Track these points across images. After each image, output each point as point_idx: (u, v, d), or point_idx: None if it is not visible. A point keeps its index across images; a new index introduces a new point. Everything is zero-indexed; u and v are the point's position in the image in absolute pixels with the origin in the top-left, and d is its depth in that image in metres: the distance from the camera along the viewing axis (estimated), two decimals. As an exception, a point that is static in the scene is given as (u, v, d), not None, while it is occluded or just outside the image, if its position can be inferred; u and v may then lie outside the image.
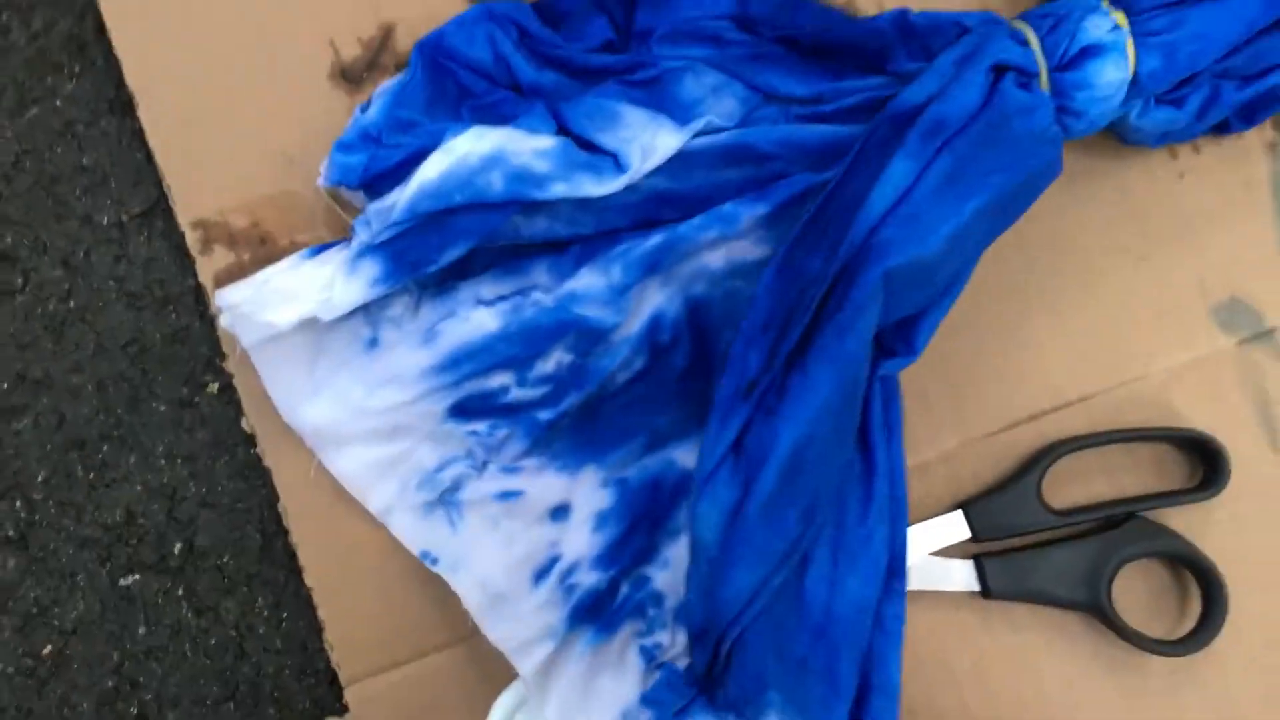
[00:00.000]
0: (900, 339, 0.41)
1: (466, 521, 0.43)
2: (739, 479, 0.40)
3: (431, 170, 0.41)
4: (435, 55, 0.43)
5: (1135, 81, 0.41)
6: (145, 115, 0.44)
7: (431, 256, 0.42)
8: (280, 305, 0.41)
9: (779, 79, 0.44)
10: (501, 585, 0.42)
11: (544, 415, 0.43)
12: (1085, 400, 0.46)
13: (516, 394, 0.43)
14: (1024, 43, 0.41)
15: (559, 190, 0.42)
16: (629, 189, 0.43)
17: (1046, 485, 0.45)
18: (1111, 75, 0.40)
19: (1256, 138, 0.47)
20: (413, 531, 0.43)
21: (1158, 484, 0.46)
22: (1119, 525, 0.45)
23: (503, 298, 0.43)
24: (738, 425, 0.39)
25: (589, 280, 0.43)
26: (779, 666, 0.38)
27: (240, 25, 0.45)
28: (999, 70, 0.40)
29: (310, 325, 0.42)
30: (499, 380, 0.43)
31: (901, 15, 0.42)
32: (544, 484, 0.43)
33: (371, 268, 0.41)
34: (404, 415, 0.42)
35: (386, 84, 0.43)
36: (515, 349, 0.42)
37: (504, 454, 0.43)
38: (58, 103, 0.46)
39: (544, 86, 0.44)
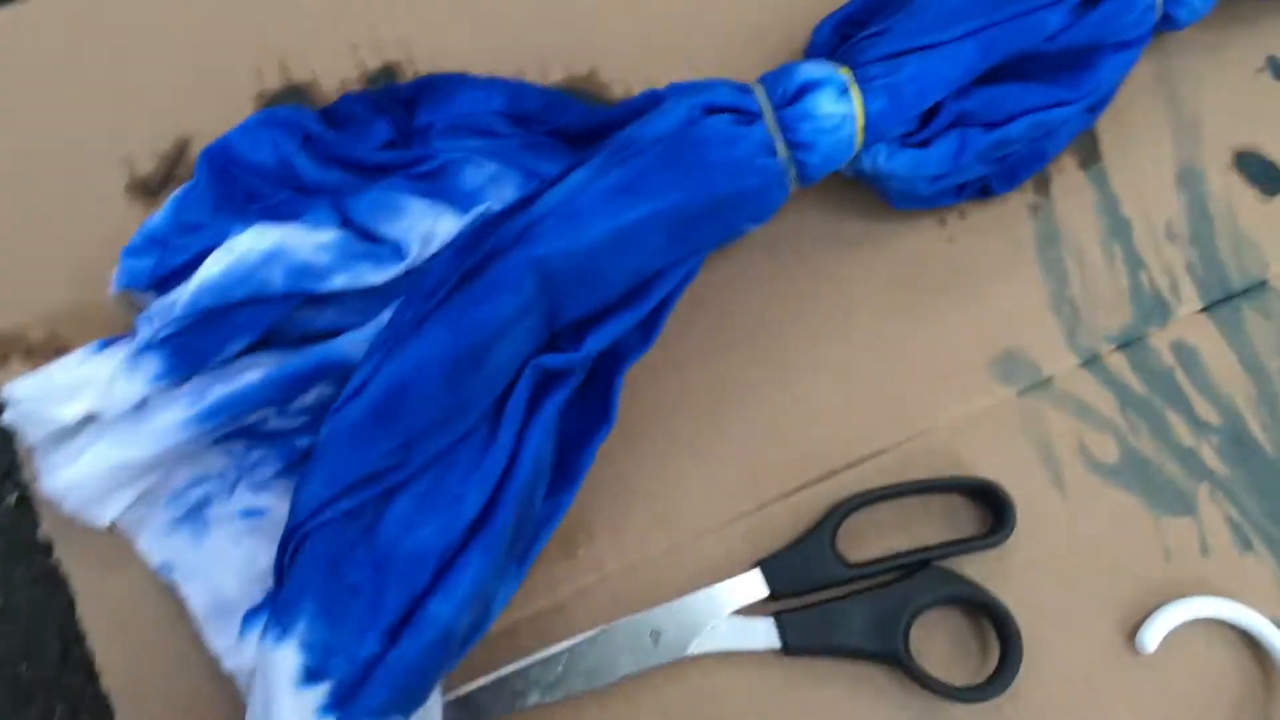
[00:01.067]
0: (569, 338, 0.43)
1: (210, 536, 0.43)
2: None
3: (213, 268, 0.43)
4: (220, 160, 0.45)
5: (869, 124, 0.44)
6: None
7: (213, 351, 0.43)
8: (65, 400, 0.42)
9: (553, 164, 0.46)
10: (233, 595, 0.42)
11: (301, 442, 0.44)
12: (876, 456, 0.47)
13: (276, 423, 0.44)
14: (747, 91, 0.43)
15: (340, 281, 0.43)
16: (415, 274, 0.45)
17: (842, 540, 0.46)
18: (831, 106, 0.43)
19: (1019, 200, 0.50)
20: (156, 545, 0.43)
21: (950, 533, 0.47)
22: (913, 575, 0.45)
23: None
24: (366, 370, 0.41)
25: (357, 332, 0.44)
26: (329, 582, 0.39)
27: (38, 147, 0.47)
28: (712, 110, 0.43)
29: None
30: (258, 415, 0.43)
31: (651, 92, 0.45)
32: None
33: (153, 363, 0.42)
34: (160, 458, 0.43)
35: (175, 192, 0.45)
36: (274, 394, 0.43)
37: (256, 474, 0.44)
38: None
39: (328, 185, 0.46)
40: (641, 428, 0.46)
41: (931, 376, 0.48)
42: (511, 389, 0.42)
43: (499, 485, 0.40)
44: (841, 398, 0.48)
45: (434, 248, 0.44)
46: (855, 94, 0.44)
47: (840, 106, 0.44)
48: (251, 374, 0.43)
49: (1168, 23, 0.49)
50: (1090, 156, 0.51)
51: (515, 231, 0.42)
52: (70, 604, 0.44)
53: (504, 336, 0.41)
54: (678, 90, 0.45)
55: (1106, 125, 0.51)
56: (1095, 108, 0.49)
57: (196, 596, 0.43)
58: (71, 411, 0.42)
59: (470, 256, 0.42)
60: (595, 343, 0.43)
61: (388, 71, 0.49)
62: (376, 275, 0.44)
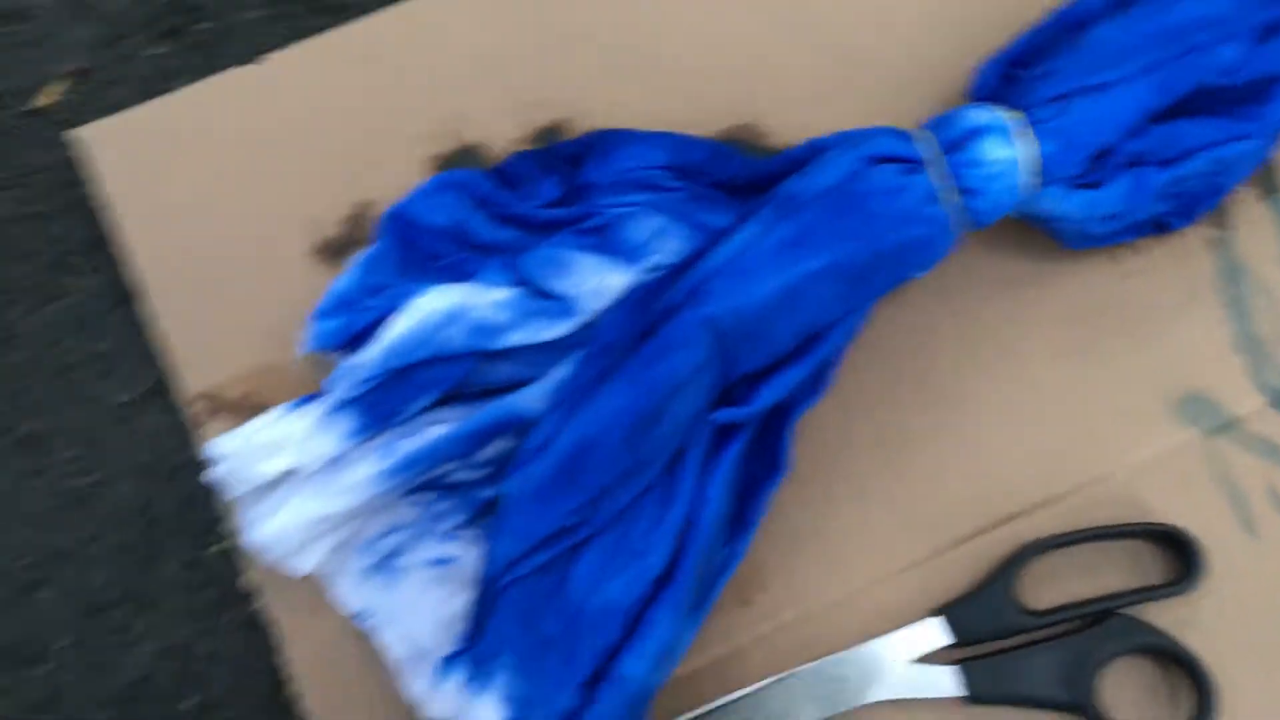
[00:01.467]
0: (742, 392, 0.43)
1: (401, 585, 0.45)
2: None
3: (398, 329, 0.45)
4: (401, 224, 0.47)
5: (1040, 168, 0.43)
6: (151, 304, 0.49)
7: (400, 409, 0.45)
8: (266, 457, 0.44)
9: (718, 216, 0.47)
10: (427, 642, 0.44)
11: (484, 493, 0.45)
12: (1054, 501, 0.46)
13: (460, 475, 0.45)
14: (910, 139, 0.43)
15: (516, 338, 0.45)
16: (588, 328, 0.46)
17: (1023, 587, 0.45)
18: (999, 151, 0.43)
19: (1196, 235, 0.49)
20: (352, 593, 0.45)
21: (1135, 580, 0.46)
22: (1100, 623, 0.44)
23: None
24: (549, 428, 0.42)
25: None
26: (524, 636, 0.40)
27: (230, 215, 0.49)
28: (876, 160, 0.43)
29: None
30: (444, 469, 0.45)
31: (811, 141, 0.45)
32: (479, 553, 0.45)
33: (345, 422, 0.44)
34: (355, 510, 0.45)
35: (359, 254, 0.47)
36: (459, 448, 0.44)
37: (443, 523, 0.45)
38: (73, 298, 0.51)
39: (502, 243, 0.47)
40: (812, 475, 0.47)
41: (1110, 419, 0.47)
42: (689, 444, 0.43)
43: (681, 540, 0.41)
44: (1016, 441, 0.47)
45: (604, 302, 0.45)
46: (1024, 138, 0.43)
47: (1008, 151, 0.43)
48: (437, 429, 0.45)
49: (1353, 47, 0.47)
50: (1270, 186, 0.49)
51: (687, 289, 0.42)
52: (275, 648, 0.47)
53: (680, 393, 0.42)
54: (841, 140, 0.45)
55: (1286, 153, 0.49)
56: (1274, 138, 0.47)
57: (391, 643, 0.44)
58: (273, 467, 0.44)
59: (645, 314, 0.43)
60: (768, 396, 0.43)
61: (553, 130, 0.50)
62: (550, 331, 0.45)
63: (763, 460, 0.45)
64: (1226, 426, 0.47)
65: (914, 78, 0.50)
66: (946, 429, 0.47)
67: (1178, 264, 0.48)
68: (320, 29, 0.51)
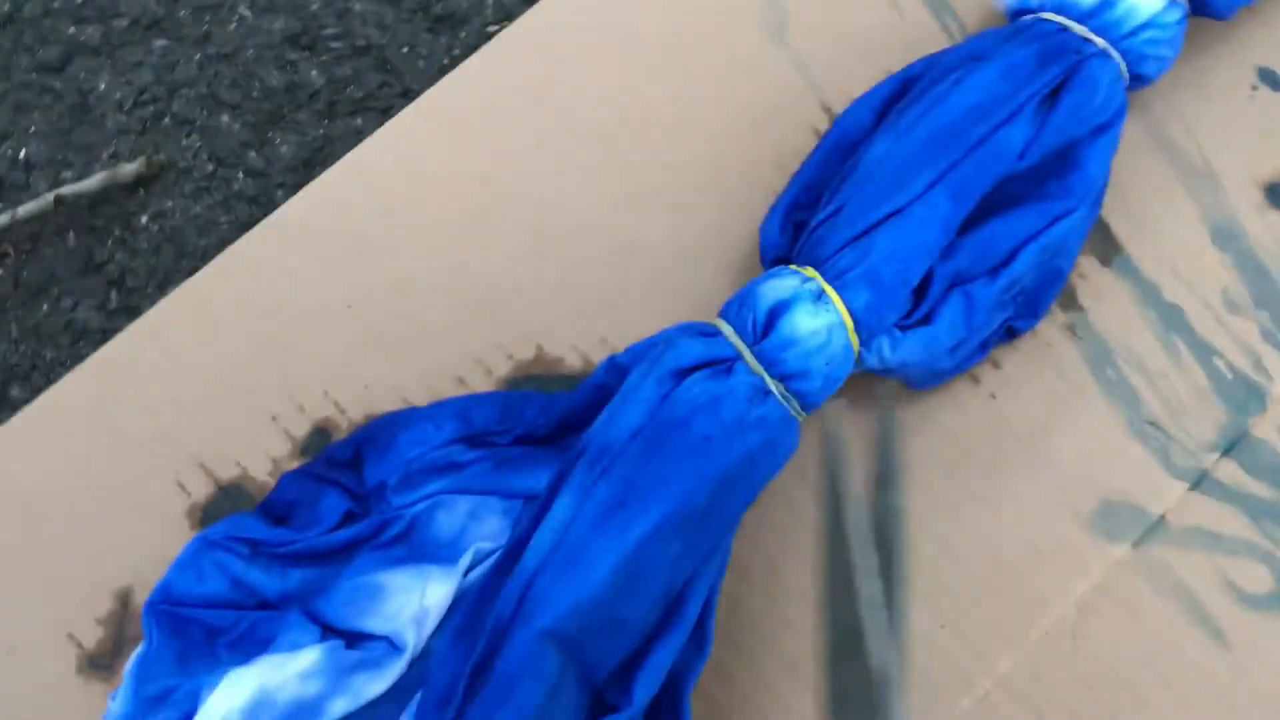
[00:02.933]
0: (617, 690, 0.36)
1: None
2: None
3: (194, 746, 0.36)
4: (168, 608, 0.39)
5: (858, 322, 0.38)
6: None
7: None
8: None
9: (532, 477, 0.40)
10: None
11: None
12: (1002, 683, 0.40)
13: None
14: (713, 334, 0.37)
15: (339, 708, 0.37)
16: (420, 662, 0.38)
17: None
18: (809, 323, 0.37)
19: (1051, 326, 0.44)
20: None
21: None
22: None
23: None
24: None
25: None
26: None
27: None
28: (683, 373, 0.37)
29: None
30: None
31: (610, 362, 0.39)
32: None
33: None
34: None
35: (130, 660, 0.39)
36: None
37: None
38: None
39: (294, 590, 0.40)
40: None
41: (1030, 561, 0.41)
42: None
43: None
44: (944, 624, 0.40)
45: (431, 624, 0.38)
46: (832, 295, 0.38)
47: (821, 317, 0.38)
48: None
49: (1138, 81, 0.43)
50: (1109, 249, 0.45)
51: (513, 599, 0.35)
52: None
53: (542, 731, 0.34)
54: (639, 354, 0.39)
55: (1113, 208, 0.45)
56: (1096, 201, 0.42)
57: None
58: None
59: (472, 643, 0.36)
60: (647, 686, 0.36)
61: (321, 434, 0.43)
62: (378, 683, 0.38)
63: (664, 757, 0.38)
64: (1154, 529, 0.41)
65: (696, 258, 0.45)
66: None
67: (1043, 365, 0.43)
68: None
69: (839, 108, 0.46)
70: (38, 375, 0.48)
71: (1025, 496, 0.42)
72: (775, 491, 0.42)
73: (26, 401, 0.43)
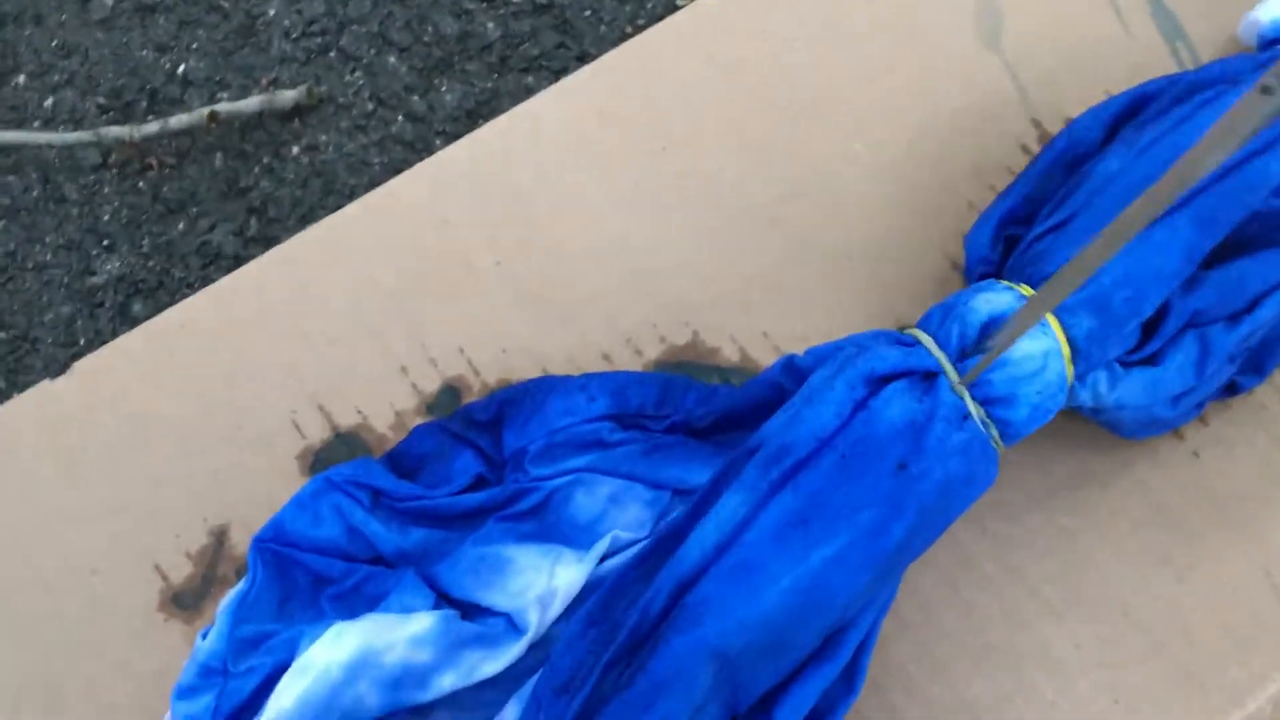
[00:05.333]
0: (756, 717, 0.32)
1: None
2: None
3: (287, 698, 0.33)
4: (276, 548, 0.36)
5: (1077, 351, 0.34)
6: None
7: (301, 812, 0.33)
8: None
9: (684, 469, 0.37)
10: None
11: None
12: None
13: None
14: (911, 344, 0.34)
15: (448, 683, 0.34)
16: (540, 647, 0.35)
17: None
18: (1025, 345, 0.33)
19: (1268, 387, 0.39)
20: None
21: None
22: None
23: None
24: None
25: None
26: None
27: (46, 565, 0.38)
28: (879, 381, 0.33)
29: None
30: None
31: (790, 361, 0.36)
32: None
33: None
34: None
35: (226, 598, 0.36)
36: None
37: None
38: None
39: (412, 549, 0.37)
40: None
41: (1217, 646, 0.36)
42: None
43: None
44: (1117, 699, 0.36)
45: (557, 609, 0.35)
46: (1050, 318, 0.34)
47: (1040, 342, 0.34)
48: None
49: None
50: (1343, 314, 0.40)
51: (665, 596, 0.32)
52: None
53: (674, 746, 0.30)
54: (822, 356, 0.36)
55: (1350, 271, 0.40)
56: (1347, 258, 0.38)
57: None
58: None
59: (613, 632, 0.32)
60: (789, 717, 0.32)
61: (450, 392, 0.40)
62: (493, 663, 0.34)
63: (800, 797, 0.33)
64: (1371, 629, 0.36)
65: (876, 255, 0.41)
66: (1018, 699, 0.36)
67: (1255, 429, 0.39)
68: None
69: (1050, 124, 0.43)
70: (163, 293, 0.45)
71: (1225, 571, 0.37)
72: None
73: (148, 318, 0.41)
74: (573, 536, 0.37)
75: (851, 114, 0.43)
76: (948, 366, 0.34)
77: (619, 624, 0.32)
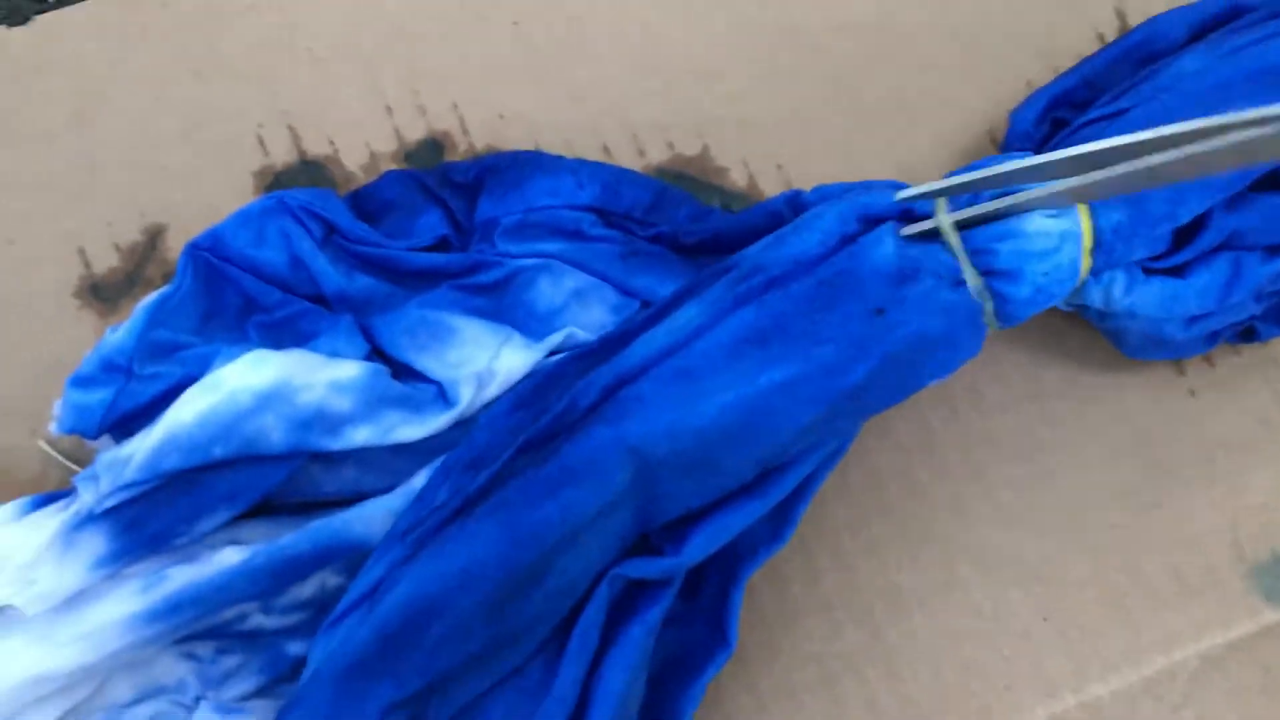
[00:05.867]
0: (670, 538, 0.31)
1: None
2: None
3: (186, 412, 0.31)
4: (212, 258, 0.34)
5: (1099, 243, 0.31)
6: None
7: (178, 529, 0.31)
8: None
9: (660, 281, 0.34)
10: None
11: (292, 648, 0.32)
12: (1088, 707, 0.34)
13: (257, 621, 0.32)
14: (922, 199, 0.31)
15: (361, 437, 0.31)
16: (463, 427, 0.32)
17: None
18: (1041, 222, 0.30)
19: (1283, 344, 0.37)
20: None
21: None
22: None
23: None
24: (382, 568, 0.29)
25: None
26: None
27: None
28: (872, 222, 0.30)
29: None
30: (235, 611, 0.31)
31: (795, 195, 0.33)
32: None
33: (95, 542, 0.30)
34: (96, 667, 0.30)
35: (147, 298, 0.33)
36: (259, 584, 0.31)
37: (227, 689, 0.31)
38: None
39: (356, 295, 0.34)
40: (768, 653, 0.34)
41: (1167, 591, 0.35)
42: (586, 607, 0.29)
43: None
44: (1047, 616, 0.34)
45: (493, 391, 0.32)
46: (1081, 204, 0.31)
47: (1059, 222, 0.31)
48: (229, 555, 0.31)
49: None
50: (1381, 288, 0.38)
51: (598, 389, 0.29)
52: None
53: (577, 542, 0.28)
54: (828, 194, 0.33)
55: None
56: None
57: None
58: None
59: (538, 418, 0.30)
60: (704, 544, 0.30)
61: (433, 145, 0.37)
62: (412, 429, 0.32)
63: (699, 633, 0.32)
64: (1324, 607, 0.35)
65: (928, 115, 0.38)
66: (944, 595, 0.34)
67: (1263, 381, 0.36)
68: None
69: (1134, 17, 0.39)
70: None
71: (1190, 516, 0.35)
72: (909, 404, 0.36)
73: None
74: (527, 324, 0.34)
75: (926, -40, 0.39)
76: (949, 226, 0.31)
77: (550, 411, 0.30)
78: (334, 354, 0.33)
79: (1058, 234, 0.31)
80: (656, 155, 0.38)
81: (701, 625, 0.32)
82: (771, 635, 0.33)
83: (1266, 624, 0.34)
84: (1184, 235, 0.33)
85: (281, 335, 0.34)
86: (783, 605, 0.34)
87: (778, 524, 0.32)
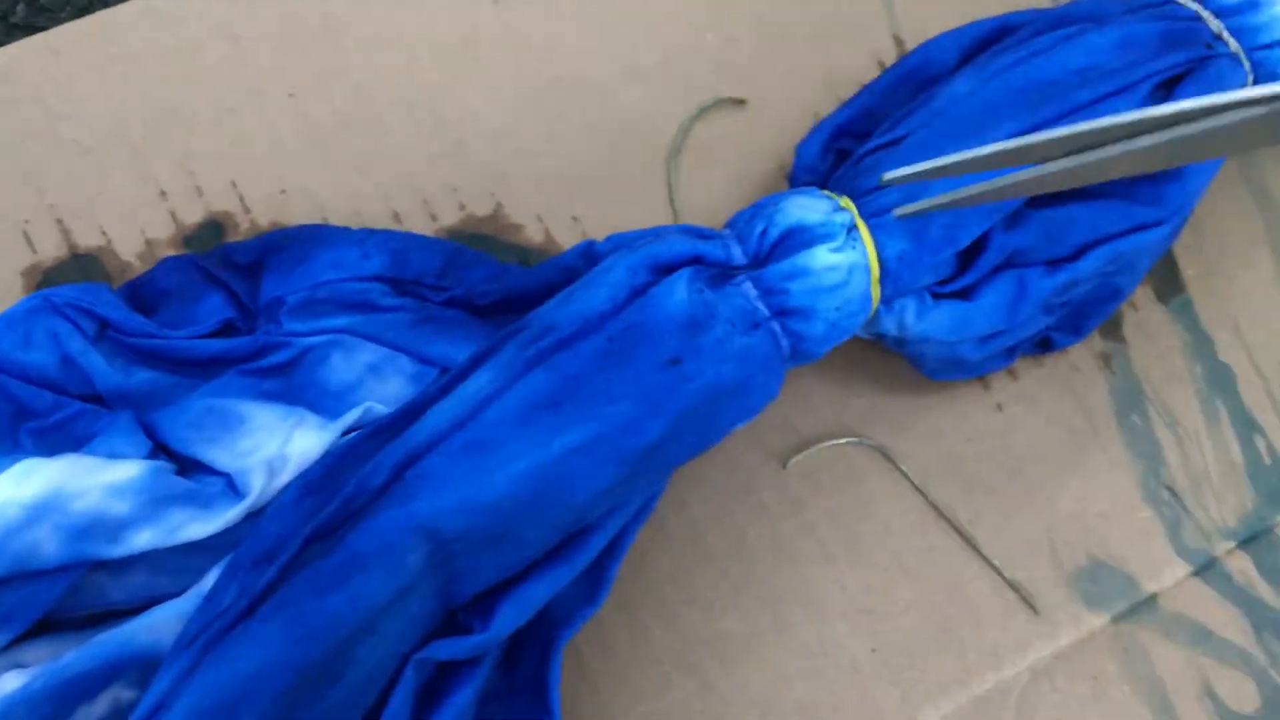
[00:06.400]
0: (477, 613, 0.30)
1: None
2: None
3: (-49, 532, 0.29)
4: (-25, 367, 0.32)
5: (886, 272, 0.31)
6: None
7: (-52, 657, 0.29)
8: None
9: (456, 347, 0.33)
10: None
11: None
12: (929, 726, 0.34)
13: None
14: (711, 239, 0.31)
15: (144, 540, 0.30)
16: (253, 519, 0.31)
17: None
18: (829, 257, 0.31)
19: (1084, 349, 0.38)
20: None
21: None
22: None
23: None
24: (168, 681, 0.27)
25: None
26: None
27: None
28: (663, 270, 0.30)
29: None
30: None
31: (589, 246, 0.33)
32: None
33: None
34: None
35: (-94, 414, 0.32)
36: (44, 710, 0.29)
37: None
38: None
39: (135, 391, 0.32)
40: (598, 716, 0.33)
41: (991, 606, 0.35)
42: (391, 692, 0.28)
43: None
44: (875, 647, 0.34)
45: (285, 478, 0.31)
46: (864, 234, 0.31)
47: (845, 255, 0.31)
48: (8, 682, 0.29)
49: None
50: (1170, 286, 0.39)
51: (388, 468, 0.28)
52: None
53: (375, 630, 0.27)
54: (620, 243, 0.33)
55: (1185, 244, 0.39)
56: (1181, 224, 0.37)
57: None
58: None
59: (325, 503, 0.29)
60: (512, 616, 0.29)
61: (213, 226, 0.36)
62: (200, 526, 0.30)
63: (518, 708, 0.31)
64: (1141, 607, 0.35)
65: (716, 157, 0.38)
66: (773, 635, 0.34)
67: (1065, 390, 0.37)
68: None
69: (912, 42, 0.40)
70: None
71: (1006, 530, 0.36)
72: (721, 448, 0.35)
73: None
74: (321, 403, 0.33)
75: (703, 3, 0.40)
76: (742, 267, 0.31)
77: (337, 493, 0.28)
78: (112, 455, 0.31)
79: (846, 267, 0.31)
80: (449, 218, 0.37)
81: (523, 698, 0.31)
82: (599, 697, 0.33)
83: (1090, 630, 0.35)
84: (968, 257, 0.33)
85: (58, 440, 0.32)
86: (610, 665, 0.33)
87: (591, 585, 0.31)
